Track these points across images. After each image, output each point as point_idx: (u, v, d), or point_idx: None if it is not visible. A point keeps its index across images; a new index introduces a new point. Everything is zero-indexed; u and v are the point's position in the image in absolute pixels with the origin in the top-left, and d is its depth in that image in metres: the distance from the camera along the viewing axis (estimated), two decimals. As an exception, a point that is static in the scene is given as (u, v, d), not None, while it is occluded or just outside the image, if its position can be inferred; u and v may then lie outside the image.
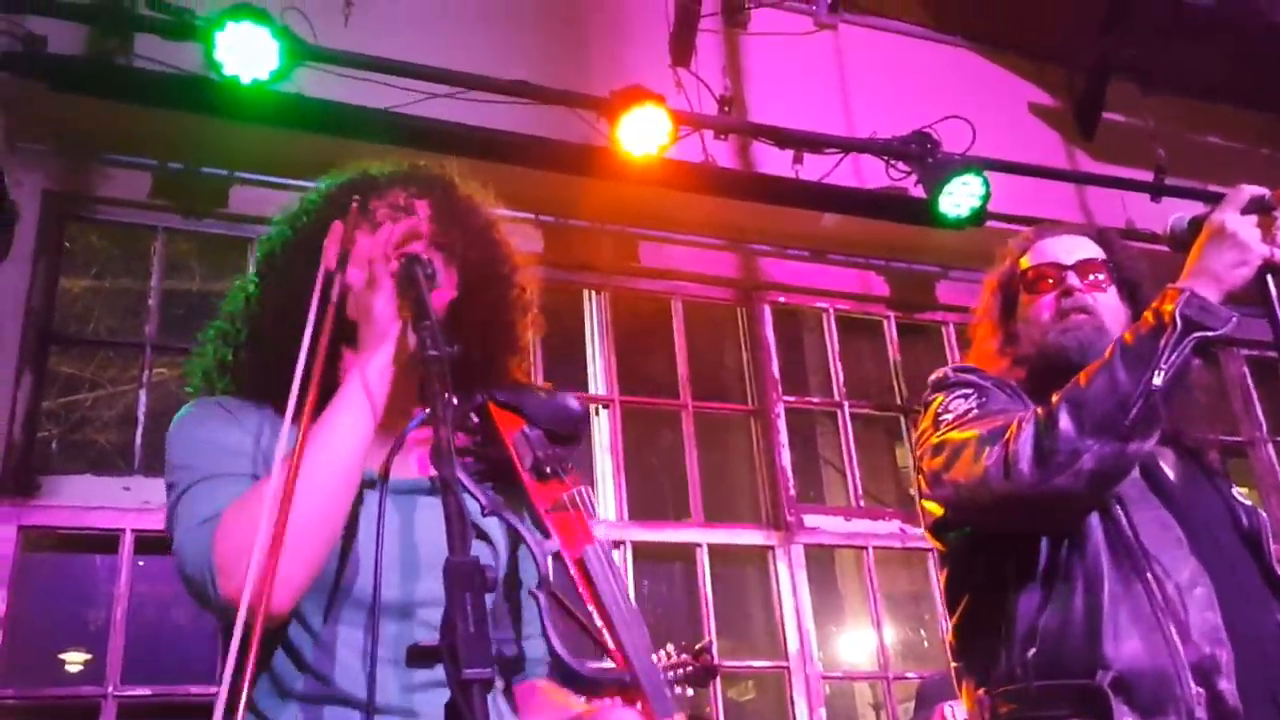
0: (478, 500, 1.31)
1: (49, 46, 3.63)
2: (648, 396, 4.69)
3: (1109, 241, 1.96)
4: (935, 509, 1.78)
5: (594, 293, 4.62)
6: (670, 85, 4.50)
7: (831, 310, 4.98)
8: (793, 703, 4.15)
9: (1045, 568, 1.66)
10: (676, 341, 4.67)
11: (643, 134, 3.99)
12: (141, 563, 3.61)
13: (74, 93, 3.63)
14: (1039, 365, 1.84)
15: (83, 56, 3.71)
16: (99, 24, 3.73)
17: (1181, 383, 1.59)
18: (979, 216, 4.45)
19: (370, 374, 1.27)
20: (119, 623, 3.40)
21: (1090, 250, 1.91)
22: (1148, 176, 5.08)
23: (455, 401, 1.12)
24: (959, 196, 4.42)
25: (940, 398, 1.82)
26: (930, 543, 1.90)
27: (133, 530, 3.51)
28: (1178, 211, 1.77)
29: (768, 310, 4.83)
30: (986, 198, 4.41)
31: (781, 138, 4.49)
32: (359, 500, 1.27)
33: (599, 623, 1.18)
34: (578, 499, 1.27)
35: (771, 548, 4.39)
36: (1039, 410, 1.62)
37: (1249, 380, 5.40)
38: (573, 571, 1.21)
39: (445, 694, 0.94)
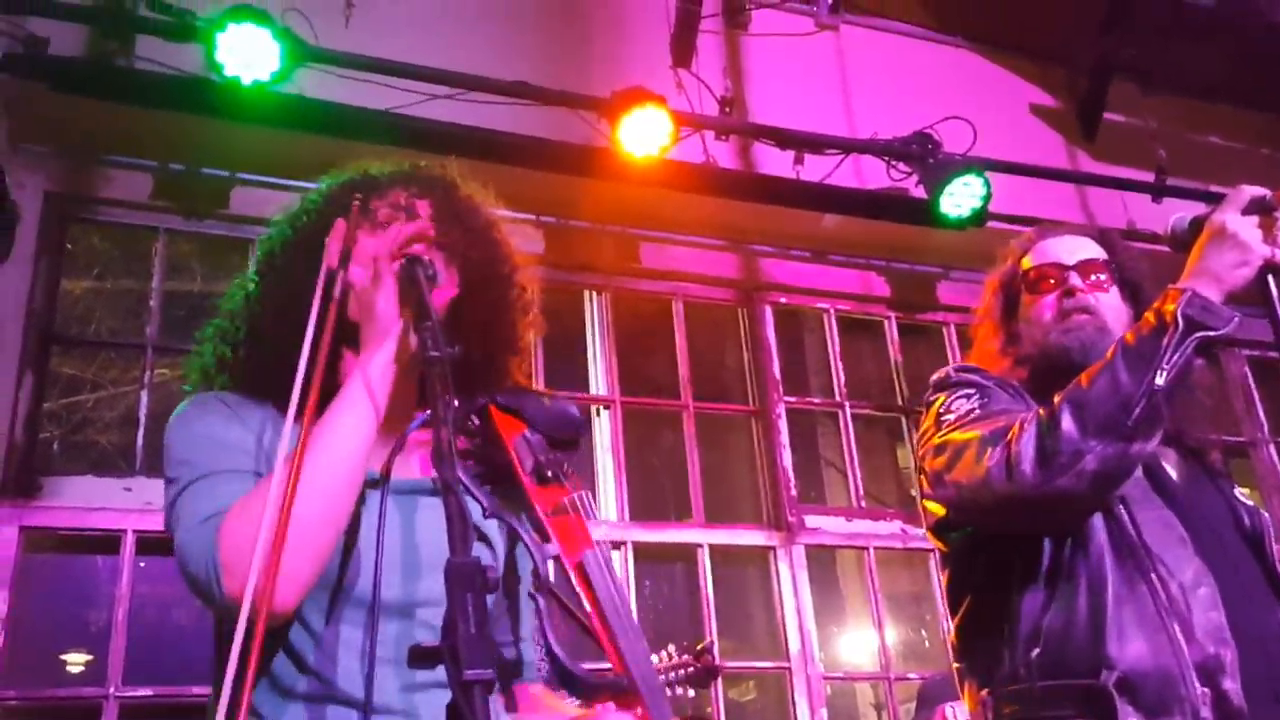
0: (479, 502, 1.31)
1: (50, 48, 3.64)
2: (649, 397, 4.69)
3: (1111, 242, 1.96)
4: (937, 509, 1.78)
5: (595, 293, 4.62)
6: (671, 86, 4.50)
7: (832, 311, 4.98)
8: (794, 703, 4.15)
9: (1048, 568, 1.66)
10: (677, 342, 4.67)
11: (644, 135, 4.00)
12: (143, 564, 3.61)
13: (75, 94, 3.64)
14: (1041, 365, 1.84)
15: (84, 58, 3.72)
16: (100, 25, 3.74)
17: (1184, 383, 1.58)
18: (980, 217, 4.45)
19: (373, 372, 1.27)
20: (120, 623, 3.41)
21: (1092, 250, 1.91)
22: (1149, 177, 5.08)
23: (456, 403, 1.12)
24: (960, 197, 4.42)
25: (942, 398, 1.82)
26: (932, 543, 1.90)
27: (134, 531, 3.52)
28: (1179, 212, 1.77)
29: (769, 311, 4.83)
30: (987, 198, 4.42)
31: (782, 138, 4.49)
32: (361, 500, 1.27)
33: (597, 627, 1.17)
34: (578, 503, 1.27)
35: (773, 548, 4.39)
36: (1041, 411, 1.61)
37: (1250, 381, 5.40)
38: (572, 576, 1.21)
39: (446, 695, 0.94)
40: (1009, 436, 1.61)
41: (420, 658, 0.96)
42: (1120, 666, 1.54)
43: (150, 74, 3.70)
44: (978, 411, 1.73)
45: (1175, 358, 1.55)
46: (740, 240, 4.82)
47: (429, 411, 1.12)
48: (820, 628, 4.43)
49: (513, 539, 1.38)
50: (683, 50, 4.66)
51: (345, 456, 1.23)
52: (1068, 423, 1.56)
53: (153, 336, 3.89)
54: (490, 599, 1.15)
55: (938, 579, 3.84)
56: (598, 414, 4.43)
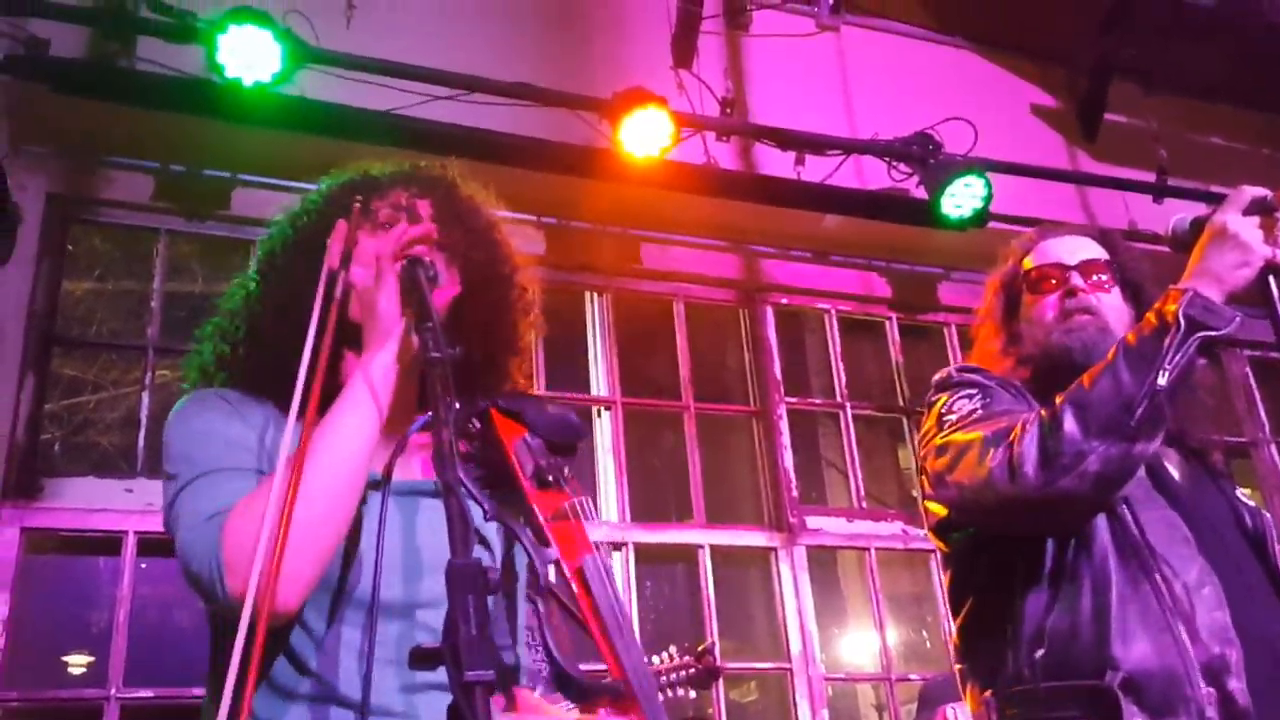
0: (480, 505, 1.30)
1: (51, 49, 3.64)
2: (650, 398, 4.69)
3: (1112, 242, 1.96)
4: (939, 510, 1.77)
5: (596, 294, 4.62)
6: (672, 87, 4.50)
7: (833, 311, 4.98)
8: (795, 704, 4.15)
9: (1052, 568, 1.66)
10: (678, 343, 4.67)
11: (644, 135, 4.00)
12: (144, 565, 3.61)
13: (76, 95, 3.64)
14: (1042, 365, 1.83)
15: (85, 59, 3.72)
16: (101, 27, 3.74)
17: (1186, 383, 1.58)
18: (981, 217, 4.45)
19: (375, 373, 1.27)
20: (121, 625, 3.41)
21: (1093, 251, 1.90)
22: (1150, 177, 5.08)
23: (457, 405, 1.12)
24: (961, 198, 4.42)
25: (944, 398, 1.82)
26: (933, 544, 1.90)
27: (135, 532, 3.51)
28: (1179, 212, 1.77)
29: (770, 311, 4.83)
30: (988, 199, 4.42)
31: (783, 139, 4.49)
32: (362, 501, 1.27)
33: (595, 633, 1.17)
34: (578, 508, 1.27)
35: (774, 549, 4.39)
36: (1043, 412, 1.61)
37: (1252, 381, 5.40)
38: (571, 581, 1.21)
39: (447, 696, 0.94)
40: (1011, 437, 1.60)
41: (421, 659, 0.96)
42: (1125, 667, 1.54)
43: (151, 75, 3.70)
44: (980, 412, 1.73)
45: (1177, 358, 1.55)
46: (741, 241, 4.82)
47: (430, 413, 1.12)
48: (821, 629, 4.43)
49: (510, 542, 1.38)
50: (684, 51, 4.65)
51: (348, 457, 1.23)
52: (1070, 424, 1.56)
53: (154, 338, 3.90)
54: (491, 600, 1.15)
55: (939, 580, 3.84)
56: (599, 415, 4.43)
